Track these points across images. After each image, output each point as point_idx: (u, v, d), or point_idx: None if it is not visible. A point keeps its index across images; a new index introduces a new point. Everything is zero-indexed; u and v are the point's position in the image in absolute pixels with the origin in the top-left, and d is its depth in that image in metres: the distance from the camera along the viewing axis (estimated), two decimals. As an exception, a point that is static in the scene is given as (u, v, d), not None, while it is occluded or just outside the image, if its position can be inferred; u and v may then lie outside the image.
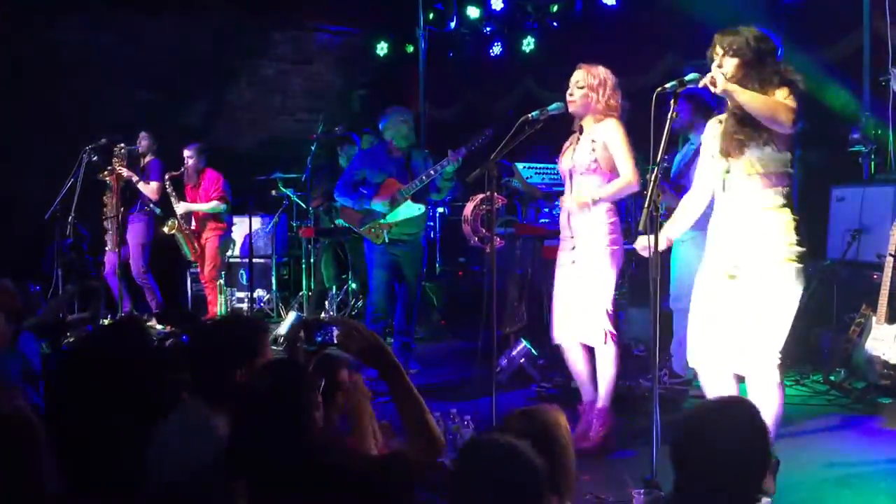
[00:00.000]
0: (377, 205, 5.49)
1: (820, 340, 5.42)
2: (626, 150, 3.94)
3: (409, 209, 5.50)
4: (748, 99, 3.06)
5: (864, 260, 5.24)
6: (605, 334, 4.00)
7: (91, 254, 6.77)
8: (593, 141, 3.97)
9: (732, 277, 3.22)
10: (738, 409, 2.08)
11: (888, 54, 5.67)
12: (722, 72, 3.15)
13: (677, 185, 4.71)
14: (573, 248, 4.05)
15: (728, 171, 3.23)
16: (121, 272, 6.96)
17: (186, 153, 7.44)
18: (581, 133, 4.06)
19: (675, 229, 3.57)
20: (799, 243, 3.17)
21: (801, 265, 3.17)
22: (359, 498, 2.01)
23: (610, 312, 4.02)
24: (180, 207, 7.36)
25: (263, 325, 2.73)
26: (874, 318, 4.68)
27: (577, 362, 4.18)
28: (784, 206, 3.18)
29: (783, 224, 3.17)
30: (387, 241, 5.54)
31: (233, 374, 2.38)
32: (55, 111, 8.28)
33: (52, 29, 8.51)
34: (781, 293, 3.16)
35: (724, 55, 3.20)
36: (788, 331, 3.23)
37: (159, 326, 6.34)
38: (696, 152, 4.79)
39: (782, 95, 3.10)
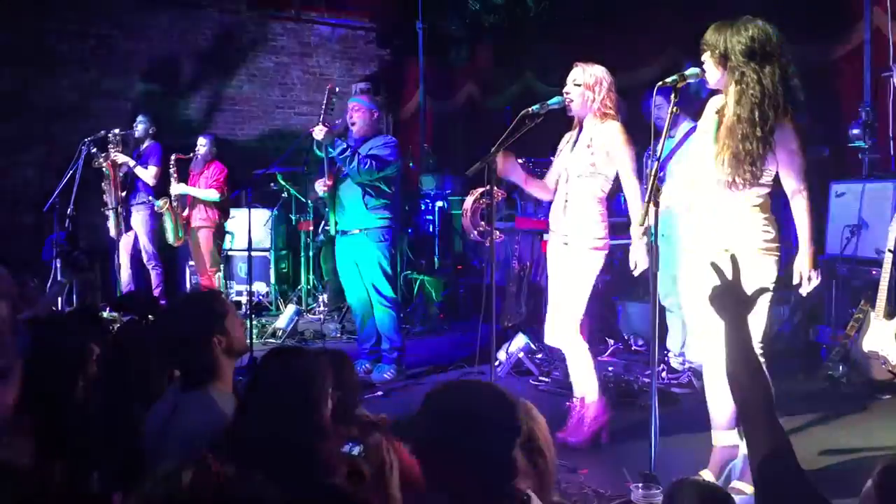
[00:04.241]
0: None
1: (818, 336, 5.43)
2: (631, 165, 3.89)
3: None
4: (811, 240, 3.14)
5: (863, 256, 5.24)
6: (571, 334, 3.97)
7: (85, 245, 6.76)
8: (590, 144, 3.93)
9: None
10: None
11: (889, 49, 5.67)
12: (704, 69, 3.16)
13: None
14: (565, 244, 4.01)
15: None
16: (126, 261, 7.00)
17: (201, 140, 7.45)
18: (580, 132, 4.03)
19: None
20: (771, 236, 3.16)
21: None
22: None
23: (579, 313, 3.97)
24: (176, 188, 7.35)
25: (217, 290, 2.79)
26: (873, 314, 4.69)
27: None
28: (761, 205, 3.17)
29: (758, 220, 3.16)
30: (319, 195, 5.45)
31: (212, 342, 2.41)
32: (56, 103, 8.27)
33: (52, 20, 8.48)
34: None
35: (708, 54, 3.19)
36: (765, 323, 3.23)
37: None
38: (677, 146, 4.79)
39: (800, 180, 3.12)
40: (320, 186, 5.40)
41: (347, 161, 5.16)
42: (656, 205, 3.01)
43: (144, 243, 7.42)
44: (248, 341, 5.09)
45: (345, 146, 5.16)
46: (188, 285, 8.12)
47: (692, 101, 4.60)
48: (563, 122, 4.16)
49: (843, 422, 4.32)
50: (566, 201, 3.98)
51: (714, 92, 3.31)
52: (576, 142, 4.03)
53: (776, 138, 3.05)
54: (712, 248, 3.17)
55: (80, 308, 3.42)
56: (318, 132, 5.14)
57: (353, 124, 5.39)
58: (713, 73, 3.17)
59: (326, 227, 5.52)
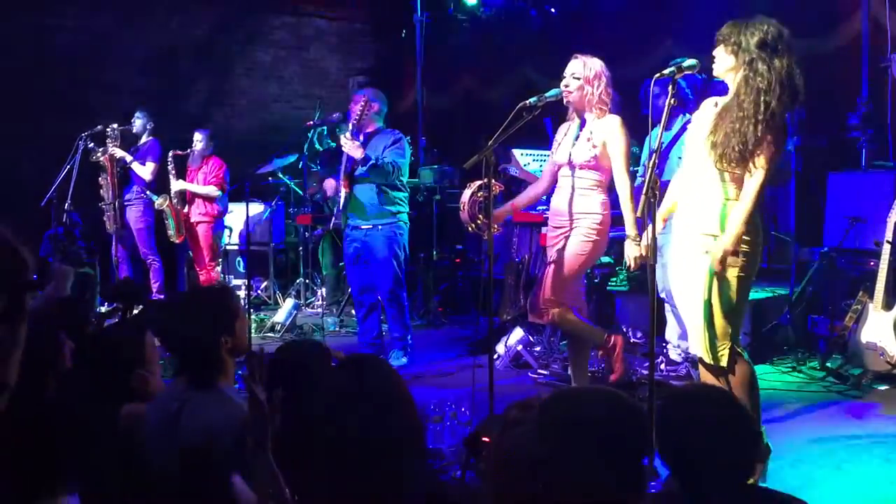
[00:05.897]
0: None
1: (816, 327, 5.44)
2: (624, 161, 3.91)
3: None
4: (740, 225, 3.08)
5: (861, 247, 5.24)
6: (556, 304, 4.00)
7: (84, 240, 6.75)
8: (590, 138, 3.94)
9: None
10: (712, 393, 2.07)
11: (887, 40, 5.67)
12: (714, 66, 3.16)
13: None
14: (567, 235, 4.02)
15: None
16: (123, 256, 7.00)
17: (197, 136, 7.41)
18: (582, 126, 4.04)
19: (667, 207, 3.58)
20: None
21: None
22: None
23: (569, 283, 4.04)
24: (176, 185, 7.34)
25: (230, 288, 2.77)
26: (871, 305, 4.69)
27: (569, 343, 4.24)
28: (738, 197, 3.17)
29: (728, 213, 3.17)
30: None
31: (220, 342, 2.39)
32: (53, 98, 8.24)
33: (51, 14, 8.46)
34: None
35: (721, 46, 3.19)
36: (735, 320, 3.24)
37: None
38: (675, 139, 4.78)
39: (759, 164, 3.08)
40: (330, 187, 5.46)
41: (372, 168, 5.23)
42: (654, 197, 3.02)
43: (140, 239, 7.41)
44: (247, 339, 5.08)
45: (374, 159, 5.21)
46: (185, 279, 8.12)
47: (694, 97, 4.59)
48: (563, 114, 4.17)
49: (841, 413, 4.32)
50: (571, 193, 4.00)
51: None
52: (577, 136, 4.04)
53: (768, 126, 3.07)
54: (689, 234, 3.24)
55: (60, 300, 3.35)
56: (354, 149, 5.20)
57: (353, 114, 5.41)
58: (724, 61, 3.18)
59: (338, 222, 5.55)
